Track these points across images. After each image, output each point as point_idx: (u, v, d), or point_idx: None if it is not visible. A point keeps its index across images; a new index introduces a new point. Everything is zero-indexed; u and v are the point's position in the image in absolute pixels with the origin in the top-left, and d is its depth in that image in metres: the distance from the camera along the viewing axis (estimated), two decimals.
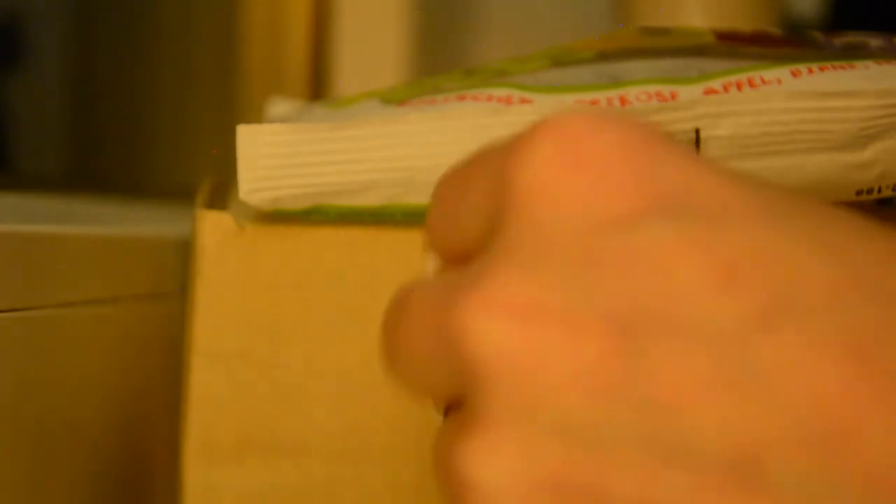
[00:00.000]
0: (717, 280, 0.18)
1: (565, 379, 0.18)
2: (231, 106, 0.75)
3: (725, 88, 0.31)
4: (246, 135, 0.30)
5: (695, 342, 0.18)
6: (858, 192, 0.32)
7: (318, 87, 0.74)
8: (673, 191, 0.19)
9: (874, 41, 0.34)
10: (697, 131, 0.30)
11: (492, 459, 0.18)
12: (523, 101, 0.32)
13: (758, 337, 0.17)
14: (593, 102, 0.31)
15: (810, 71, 0.31)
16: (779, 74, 0.31)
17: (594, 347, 0.18)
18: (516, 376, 0.18)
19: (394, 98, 0.33)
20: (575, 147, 0.19)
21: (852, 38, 0.34)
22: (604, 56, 0.34)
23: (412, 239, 0.32)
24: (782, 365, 0.17)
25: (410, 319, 0.21)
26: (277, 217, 0.32)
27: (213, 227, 0.33)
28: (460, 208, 0.21)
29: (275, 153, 0.30)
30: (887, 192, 0.32)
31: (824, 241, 0.18)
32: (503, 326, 0.18)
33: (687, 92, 0.31)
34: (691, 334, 0.18)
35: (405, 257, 0.32)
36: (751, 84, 0.31)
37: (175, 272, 0.42)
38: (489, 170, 0.20)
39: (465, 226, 0.21)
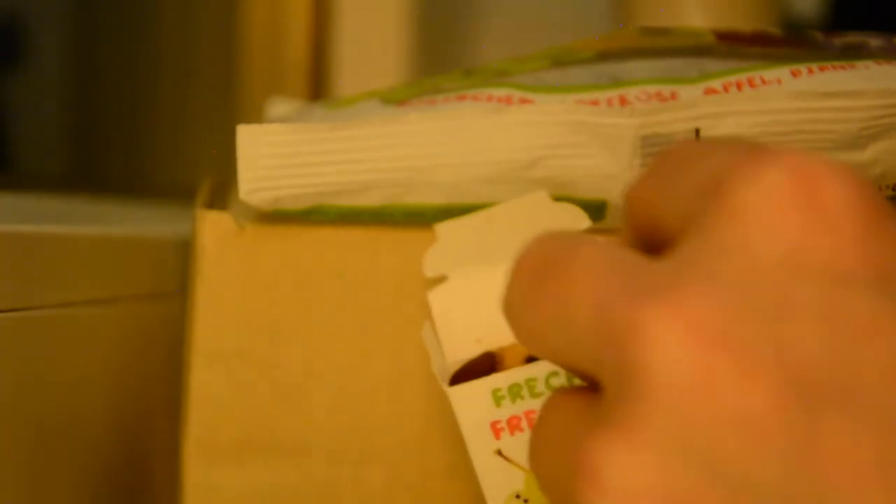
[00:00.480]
0: None
1: (727, 415, 0.17)
2: (231, 106, 0.75)
3: (725, 88, 0.31)
4: (246, 135, 0.30)
5: (876, 428, 0.17)
6: None
7: (318, 87, 0.74)
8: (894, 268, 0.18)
9: (874, 41, 0.34)
10: (697, 131, 0.30)
11: (631, 465, 0.18)
12: (523, 101, 0.31)
13: None
14: (593, 102, 0.31)
15: (810, 71, 0.31)
16: (779, 74, 0.31)
17: (767, 394, 0.17)
18: (679, 395, 0.18)
19: (394, 98, 0.33)
20: (811, 189, 0.18)
21: (852, 38, 0.34)
22: (604, 56, 0.34)
23: (412, 239, 0.32)
24: None
25: (571, 283, 0.19)
26: (277, 217, 0.32)
27: (213, 227, 0.33)
28: (673, 185, 0.20)
29: (275, 153, 0.30)
30: (887, 192, 0.32)
31: None
32: (682, 341, 0.18)
33: (687, 92, 0.31)
34: (874, 419, 0.17)
35: (405, 257, 0.32)
36: (751, 84, 0.31)
37: (175, 272, 0.42)
38: (712, 166, 0.20)
39: (668, 207, 0.20)
